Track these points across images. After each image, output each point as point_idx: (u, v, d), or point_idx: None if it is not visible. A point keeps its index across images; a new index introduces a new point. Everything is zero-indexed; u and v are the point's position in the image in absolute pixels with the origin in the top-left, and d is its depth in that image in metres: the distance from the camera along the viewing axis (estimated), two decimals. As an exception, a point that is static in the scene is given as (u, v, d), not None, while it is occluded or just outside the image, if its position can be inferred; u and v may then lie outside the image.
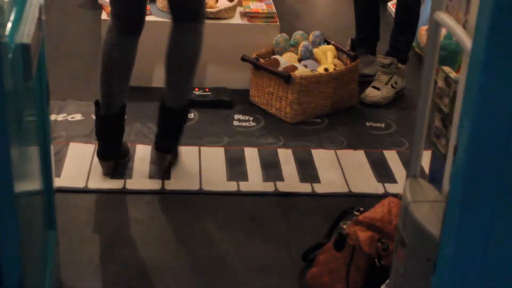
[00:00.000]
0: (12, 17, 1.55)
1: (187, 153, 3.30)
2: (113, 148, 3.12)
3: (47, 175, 2.31)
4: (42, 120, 2.20)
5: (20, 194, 1.59)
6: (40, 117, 2.17)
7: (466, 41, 1.59)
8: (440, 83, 2.85)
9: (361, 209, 2.59)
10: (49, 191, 2.34)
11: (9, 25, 1.51)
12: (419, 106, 1.94)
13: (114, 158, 3.13)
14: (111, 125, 3.07)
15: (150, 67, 3.85)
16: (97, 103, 3.05)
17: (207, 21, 3.78)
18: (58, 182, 3.00)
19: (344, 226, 2.42)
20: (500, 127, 1.31)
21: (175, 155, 3.19)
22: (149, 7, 3.85)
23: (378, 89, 3.93)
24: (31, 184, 1.95)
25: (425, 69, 1.90)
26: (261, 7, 3.90)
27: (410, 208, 1.85)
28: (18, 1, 1.63)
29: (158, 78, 3.85)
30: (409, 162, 2.05)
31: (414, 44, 4.24)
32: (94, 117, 3.15)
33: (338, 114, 3.75)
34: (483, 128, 1.36)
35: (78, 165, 3.15)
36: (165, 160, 3.12)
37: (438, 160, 2.87)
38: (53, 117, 3.50)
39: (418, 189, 1.94)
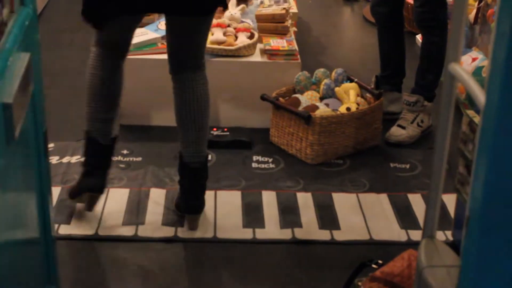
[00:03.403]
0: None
1: (202, 197, 3.20)
2: (104, 180, 2.96)
3: (45, 224, 2.20)
4: (39, 168, 2.10)
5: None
6: (36, 165, 2.07)
7: (480, 96, 1.46)
8: (464, 128, 2.71)
9: (380, 262, 2.46)
10: (47, 242, 2.23)
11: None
12: (434, 163, 1.81)
13: (102, 193, 2.99)
14: (108, 155, 2.96)
15: (158, 105, 3.77)
16: (89, 134, 2.92)
17: (227, 59, 3.72)
18: (67, 230, 2.92)
19: (360, 283, 2.29)
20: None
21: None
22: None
23: (403, 128, 3.80)
24: (18, 234, 1.85)
25: (441, 124, 1.76)
26: (281, 44, 3.80)
27: (424, 273, 1.71)
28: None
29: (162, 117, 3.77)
30: (424, 220, 1.91)
31: (442, 79, 4.10)
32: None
33: (361, 155, 3.62)
34: (497, 196, 1.24)
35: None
36: (196, 221, 2.99)
37: (463, 207, 2.73)
38: (66, 159, 3.43)
39: (434, 251, 1.80)
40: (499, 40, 1.19)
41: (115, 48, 2.89)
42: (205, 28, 2.87)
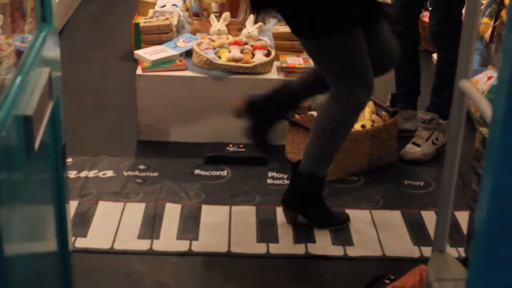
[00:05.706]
0: (13, 89, 1.50)
1: (217, 212, 3.23)
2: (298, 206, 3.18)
3: (62, 237, 2.24)
4: (57, 181, 2.14)
5: (15, 257, 1.53)
6: (54, 178, 2.11)
7: (487, 110, 1.49)
8: (477, 145, 2.73)
9: (392, 277, 2.49)
10: (64, 253, 2.27)
11: (8, 98, 1.46)
12: (444, 176, 1.84)
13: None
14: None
15: (175, 122, 3.82)
16: None
17: (244, 76, 3.76)
18: (83, 243, 2.97)
19: (371, 298, 2.31)
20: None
21: (307, 216, 3.18)
22: (184, 61, 3.82)
23: (418, 145, 3.82)
24: (36, 247, 1.89)
25: (451, 140, 1.80)
26: (298, 61, 3.84)
27: (434, 286, 1.74)
28: (21, 70, 1.58)
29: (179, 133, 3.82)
30: (434, 234, 1.94)
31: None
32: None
33: (375, 172, 3.64)
34: (503, 210, 1.26)
35: (106, 225, 3.10)
36: (288, 215, 3.16)
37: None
38: (84, 173, 3.47)
39: (443, 265, 1.83)
40: (505, 57, 1.22)
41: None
42: (318, 53, 2.96)
